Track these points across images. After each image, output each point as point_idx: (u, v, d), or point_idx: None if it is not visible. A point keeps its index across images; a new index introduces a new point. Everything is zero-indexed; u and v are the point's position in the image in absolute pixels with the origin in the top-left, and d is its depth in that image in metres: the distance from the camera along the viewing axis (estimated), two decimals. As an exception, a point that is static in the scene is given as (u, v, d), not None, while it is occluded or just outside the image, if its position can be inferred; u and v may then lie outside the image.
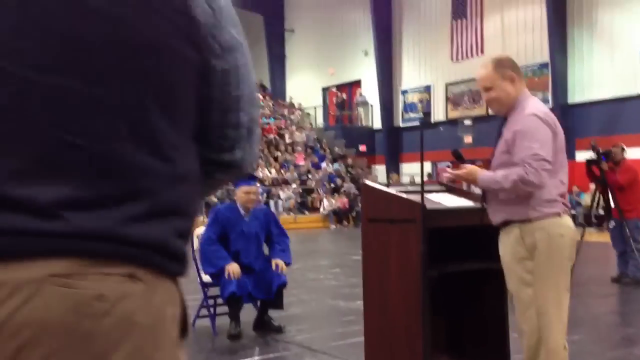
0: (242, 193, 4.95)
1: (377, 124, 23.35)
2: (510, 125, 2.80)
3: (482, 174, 2.88)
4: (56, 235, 0.80)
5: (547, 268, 2.73)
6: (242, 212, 4.97)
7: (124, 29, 0.87)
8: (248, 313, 5.04)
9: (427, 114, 19.99)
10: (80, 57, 0.85)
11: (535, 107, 2.80)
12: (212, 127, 0.99)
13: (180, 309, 0.90)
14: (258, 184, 5.04)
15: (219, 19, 0.97)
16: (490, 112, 15.34)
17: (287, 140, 22.08)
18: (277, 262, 4.85)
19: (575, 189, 17.15)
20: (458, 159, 3.02)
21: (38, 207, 0.80)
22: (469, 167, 2.94)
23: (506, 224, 2.81)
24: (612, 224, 7.52)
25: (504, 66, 2.84)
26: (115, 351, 0.79)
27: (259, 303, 5.02)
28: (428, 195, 3.31)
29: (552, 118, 2.80)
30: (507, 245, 2.81)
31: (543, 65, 18.07)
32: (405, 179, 20.04)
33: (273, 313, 5.05)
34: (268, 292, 4.84)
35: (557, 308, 2.74)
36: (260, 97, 26.33)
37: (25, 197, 0.80)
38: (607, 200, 7.54)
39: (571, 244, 2.83)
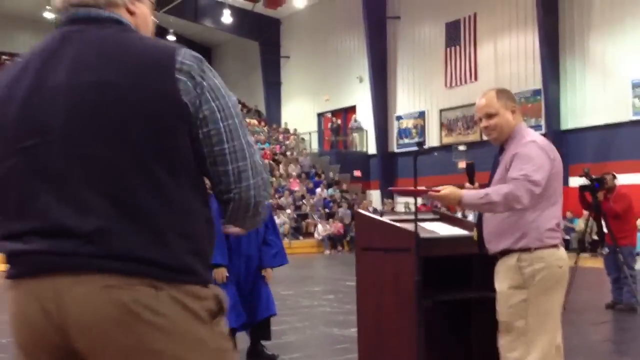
0: None
1: (372, 149, 23.44)
2: (509, 151, 2.85)
3: (467, 192, 2.83)
4: (100, 256, 1.19)
5: (543, 299, 2.73)
6: None
7: (122, 108, 1.23)
8: (241, 341, 5.01)
9: (420, 143, 19.83)
10: (99, 134, 1.23)
11: (534, 136, 2.89)
12: (209, 175, 1.31)
13: (203, 301, 1.27)
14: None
15: (204, 97, 1.27)
16: (484, 137, 15.46)
17: (282, 169, 22.11)
18: (267, 274, 4.81)
19: (568, 214, 17.20)
20: (470, 174, 3.03)
21: (85, 235, 1.20)
22: (449, 188, 2.89)
23: (505, 252, 2.80)
24: (605, 250, 7.53)
25: (507, 97, 2.95)
26: (145, 332, 1.20)
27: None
28: (422, 224, 3.33)
29: (552, 148, 2.86)
30: (504, 273, 2.79)
31: (536, 92, 18.25)
32: (399, 205, 20.05)
33: (266, 341, 5.01)
34: (253, 316, 4.80)
35: (548, 340, 2.73)
36: (256, 122, 26.47)
37: (76, 226, 1.21)
38: (600, 227, 7.57)
39: (567, 276, 2.87)
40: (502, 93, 2.96)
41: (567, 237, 17.18)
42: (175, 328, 1.21)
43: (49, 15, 26.94)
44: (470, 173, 3.05)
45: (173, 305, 1.22)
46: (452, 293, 3.42)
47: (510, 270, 2.76)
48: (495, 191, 2.69)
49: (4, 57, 26.50)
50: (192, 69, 1.28)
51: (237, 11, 25.34)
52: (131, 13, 1.37)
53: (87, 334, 1.19)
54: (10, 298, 1.28)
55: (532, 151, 2.74)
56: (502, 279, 2.80)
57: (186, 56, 1.31)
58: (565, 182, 17.70)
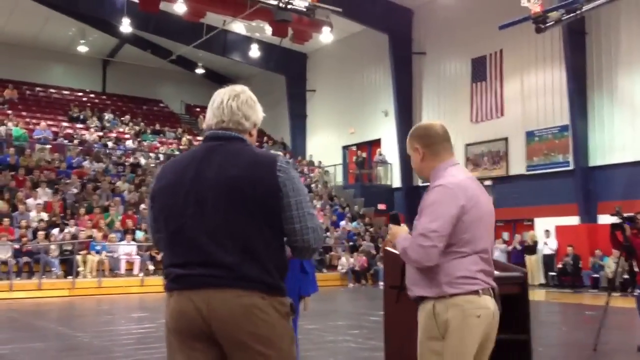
0: None
1: (397, 182, 23.41)
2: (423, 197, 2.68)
3: (401, 236, 2.67)
4: (231, 278, 2.04)
5: (457, 350, 2.51)
6: None
7: (245, 192, 2.10)
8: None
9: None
10: (232, 208, 2.09)
11: (448, 177, 2.61)
12: (286, 230, 2.17)
13: (285, 307, 2.12)
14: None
15: (288, 183, 2.14)
16: (510, 172, 15.51)
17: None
18: (305, 303, 4.91)
19: (597, 252, 16.88)
20: (394, 222, 2.77)
21: (226, 266, 2.06)
22: (394, 228, 2.76)
23: (422, 299, 2.61)
24: (637, 291, 7.36)
25: (413, 136, 2.75)
26: (257, 323, 2.04)
27: None
28: (451, 263, 3.30)
29: (467, 188, 2.59)
30: (421, 321, 2.61)
31: (563, 128, 18.13)
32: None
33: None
34: None
35: None
36: (281, 154, 26.64)
37: (220, 260, 2.07)
38: (631, 266, 7.42)
39: (488, 326, 2.59)
40: (411, 132, 2.78)
41: (596, 276, 16.84)
42: (273, 321, 2.07)
43: (82, 49, 27.74)
44: (394, 222, 2.77)
45: (272, 308, 2.08)
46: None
47: (426, 318, 2.58)
48: (399, 244, 2.60)
49: (38, 88, 27.29)
50: (284, 170, 2.15)
51: (264, 46, 25.78)
52: (250, 135, 2.30)
53: (223, 323, 2.04)
54: (172, 302, 2.12)
55: (434, 198, 2.55)
56: (420, 328, 2.62)
57: (282, 161, 2.18)
58: (594, 219, 17.42)
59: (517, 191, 19.18)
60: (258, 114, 2.32)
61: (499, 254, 18.12)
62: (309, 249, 2.19)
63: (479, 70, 20.60)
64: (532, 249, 18.06)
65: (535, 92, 19.04)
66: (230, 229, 2.08)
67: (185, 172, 2.17)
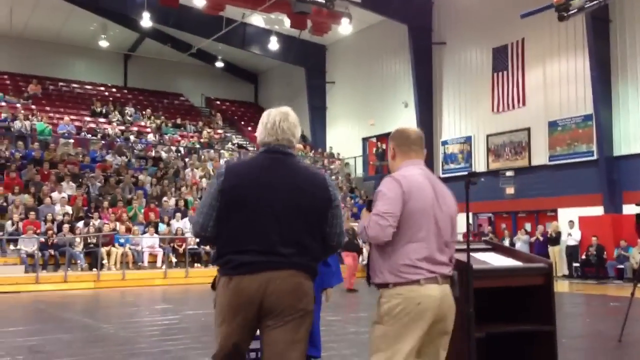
0: None
1: (417, 174, 23.31)
2: None
3: (363, 218, 2.96)
4: (287, 263, 2.63)
5: (397, 334, 2.73)
6: None
7: (305, 200, 2.70)
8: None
9: (472, 174, 19.92)
10: (292, 211, 2.67)
11: (401, 171, 2.94)
12: (327, 232, 2.77)
13: (309, 286, 2.69)
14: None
15: (335, 197, 2.76)
16: (533, 163, 15.30)
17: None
18: (328, 294, 4.93)
19: (622, 243, 16.66)
20: (368, 208, 2.96)
21: (283, 255, 2.64)
22: (364, 213, 3.01)
23: (378, 286, 2.89)
24: (663, 282, 7.25)
25: (389, 137, 3.14)
26: (308, 296, 2.68)
27: None
28: (474, 254, 3.30)
29: (411, 181, 2.85)
30: (375, 307, 2.86)
31: (587, 117, 17.87)
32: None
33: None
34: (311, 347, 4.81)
35: None
36: (301, 147, 26.70)
37: (279, 251, 2.65)
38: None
39: (433, 310, 2.76)
40: (391, 134, 3.14)
41: (622, 267, 16.63)
42: (311, 294, 2.68)
43: (104, 44, 28.01)
44: (368, 209, 2.95)
45: (311, 285, 2.70)
46: (505, 325, 3.36)
47: (376, 304, 2.86)
48: (362, 223, 2.92)
49: (61, 83, 27.63)
50: (332, 186, 2.79)
51: (283, 38, 25.77)
52: (295, 149, 2.89)
53: (278, 297, 2.58)
54: (234, 283, 2.61)
55: (383, 186, 2.87)
56: (373, 313, 2.89)
57: (329, 179, 2.81)
58: (619, 209, 17.18)
59: (540, 182, 18.98)
60: (300, 130, 2.91)
61: (521, 245, 17.98)
62: (338, 248, 2.85)
63: (500, 59, 20.38)
64: (555, 240, 17.88)
65: (558, 81, 18.78)
66: (289, 227, 2.65)
67: (256, 176, 2.72)
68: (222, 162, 23.27)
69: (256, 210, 2.64)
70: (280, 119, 2.79)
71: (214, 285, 2.77)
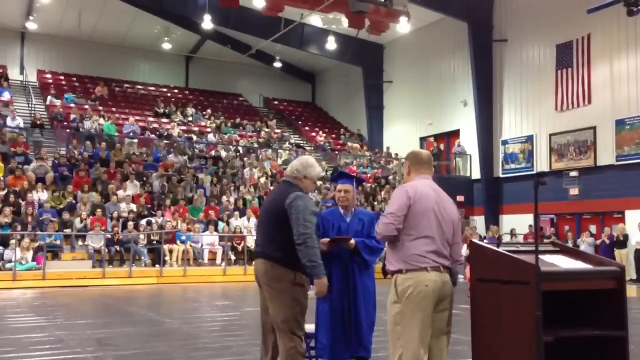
0: (337, 191, 5.03)
1: (476, 174, 22.89)
2: None
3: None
4: (263, 253, 4.12)
5: (412, 311, 3.46)
6: (341, 212, 5.00)
7: (274, 210, 4.08)
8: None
9: (541, 174, 19.53)
10: (267, 218, 4.19)
11: (410, 183, 3.73)
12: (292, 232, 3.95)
13: (293, 275, 3.94)
14: (354, 185, 5.20)
15: (292, 206, 3.94)
16: (599, 163, 14.82)
17: (383, 194, 21.96)
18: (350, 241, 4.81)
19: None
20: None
21: (261, 245, 4.17)
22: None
23: (392, 273, 3.65)
24: None
25: (406, 157, 3.98)
26: (271, 277, 3.98)
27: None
28: (542, 256, 3.23)
29: (417, 189, 3.63)
30: (390, 290, 3.60)
31: (657, 115, 17.12)
32: (505, 231, 19.35)
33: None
34: (361, 348, 4.80)
35: (416, 343, 3.41)
36: (358, 146, 26.69)
37: (262, 244, 4.16)
38: None
39: (436, 290, 3.49)
40: (406, 155, 4.00)
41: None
42: (278, 277, 3.91)
43: (166, 46, 28.80)
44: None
45: (280, 271, 3.91)
46: (574, 330, 3.27)
47: (391, 287, 3.59)
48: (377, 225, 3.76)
49: (126, 85, 28.58)
50: (291, 198, 3.93)
51: (341, 38, 25.80)
52: (300, 180, 4.14)
53: (258, 276, 4.04)
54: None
55: (393, 194, 3.72)
56: (390, 295, 3.61)
57: (291, 197, 3.94)
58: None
59: (606, 182, 18.31)
60: (308, 169, 4.15)
61: (585, 247, 17.39)
62: (299, 235, 3.83)
63: (565, 56, 19.77)
64: (622, 243, 17.21)
65: (626, 78, 18.07)
66: (267, 229, 4.09)
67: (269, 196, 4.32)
68: (279, 161, 23.52)
69: (262, 219, 4.25)
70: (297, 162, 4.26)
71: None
